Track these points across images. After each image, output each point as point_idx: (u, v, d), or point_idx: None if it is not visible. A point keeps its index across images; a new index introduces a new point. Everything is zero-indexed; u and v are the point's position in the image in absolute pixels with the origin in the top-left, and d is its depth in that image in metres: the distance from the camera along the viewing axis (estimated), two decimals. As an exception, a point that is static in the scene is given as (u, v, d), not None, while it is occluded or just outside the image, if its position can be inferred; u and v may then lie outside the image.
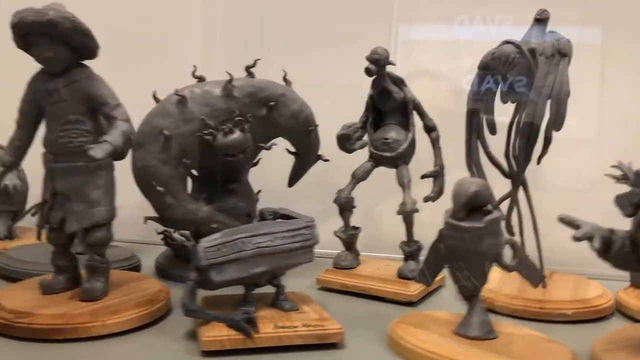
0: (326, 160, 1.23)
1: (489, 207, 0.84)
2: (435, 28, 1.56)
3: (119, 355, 0.80)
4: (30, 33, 0.82)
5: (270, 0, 1.55)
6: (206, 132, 1.05)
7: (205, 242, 0.84)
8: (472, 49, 1.50)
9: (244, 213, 1.19)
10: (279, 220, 0.94)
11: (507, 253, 0.86)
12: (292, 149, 1.23)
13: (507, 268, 0.86)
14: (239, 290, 0.91)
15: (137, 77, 1.51)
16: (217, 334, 0.80)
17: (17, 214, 1.34)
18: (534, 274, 0.90)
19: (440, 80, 1.52)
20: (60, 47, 0.83)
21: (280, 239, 0.88)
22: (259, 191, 1.25)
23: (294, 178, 1.28)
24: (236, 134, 1.06)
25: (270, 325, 0.82)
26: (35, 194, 1.34)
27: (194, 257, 0.85)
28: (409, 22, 1.55)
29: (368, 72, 1.11)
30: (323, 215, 1.43)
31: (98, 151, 0.79)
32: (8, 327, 0.83)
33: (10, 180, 1.27)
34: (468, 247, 0.82)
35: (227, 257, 0.84)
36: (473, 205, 0.82)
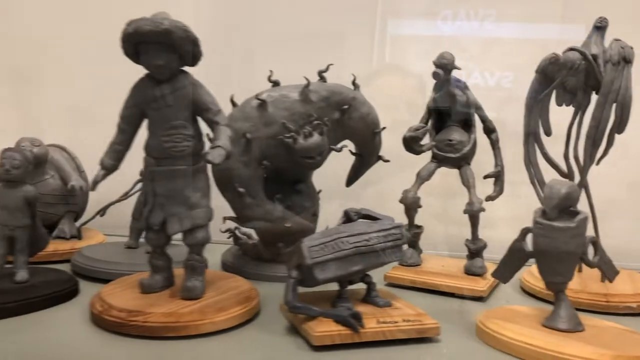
0: (387, 161, 1.27)
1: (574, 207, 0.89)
2: (419, 23, 1.60)
3: (233, 352, 0.84)
4: (143, 42, 0.85)
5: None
6: (288, 135, 1.08)
7: (308, 242, 0.88)
8: (458, 44, 1.56)
9: (310, 212, 1.23)
10: (366, 220, 0.98)
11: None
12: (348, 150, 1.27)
13: (590, 264, 0.92)
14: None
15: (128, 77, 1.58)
16: (327, 329, 0.84)
17: (79, 214, 1.37)
18: (611, 270, 0.96)
19: (425, 76, 1.57)
20: (170, 55, 0.86)
21: (375, 238, 0.92)
22: (320, 191, 1.29)
23: (353, 178, 1.32)
24: (315, 137, 1.10)
25: (373, 321, 0.87)
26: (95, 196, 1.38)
27: (296, 256, 0.89)
28: (394, 17, 1.59)
29: (436, 76, 1.16)
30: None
31: (215, 156, 0.83)
32: (121, 325, 0.85)
33: (76, 181, 1.29)
34: (560, 245, 0.87)
35: (329, 256, 0.88)
36: (564, 206, 0.87)
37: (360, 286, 0.96)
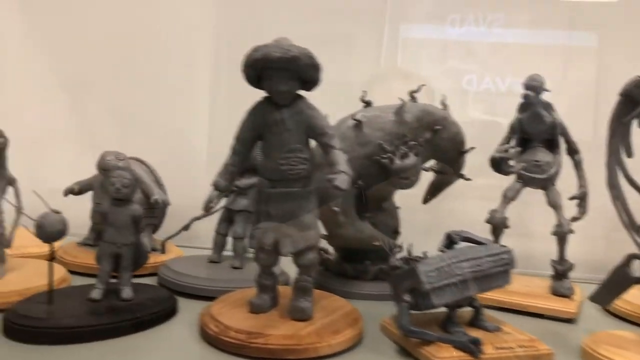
0: (468, 180, 1.28)
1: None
2: (427, 28, 1.61)
3: (352, 375, 0.85)
4: (269, 67, 0.86)
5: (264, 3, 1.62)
6: (385, 156, 1.09)
7: (424, 266, 0.89)
8: (466, 48, 1.57)
9: (392, 229, 1.25)
10: (471, 244, 0.99)
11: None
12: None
13: (700, 292, 0.92)
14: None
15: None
16: (448, 355, 0.84)
17: (157, 227, 1.38)
18: None
19: (433, 80, 1.57)
20: (294, 80, 0.87)
21: (486, 263, 0.93)
22: (398, 207, 1.29)
23: (432, 196, 1.32)
24: (412, 158, 1.10)
25: (490, 347, 0.87)
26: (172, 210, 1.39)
27: (409, 280, 0.90)
28: (402, 21, 1.60)
29: (526, 98, 1.17)
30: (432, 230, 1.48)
31: (342, 182, 0.84)
32: (242, 347, 0.86)
33: (159, 194, 1.30)
34: (676, 274, 0.87)
35: (445, 282, 0.89)
36: (680, 235, 0.88)
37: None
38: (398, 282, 0.93)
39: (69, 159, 1.71)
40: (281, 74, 0.86)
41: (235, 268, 1.22)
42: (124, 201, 0.99)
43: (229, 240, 1.28)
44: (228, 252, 1.28)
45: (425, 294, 0.88)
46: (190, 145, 1.70)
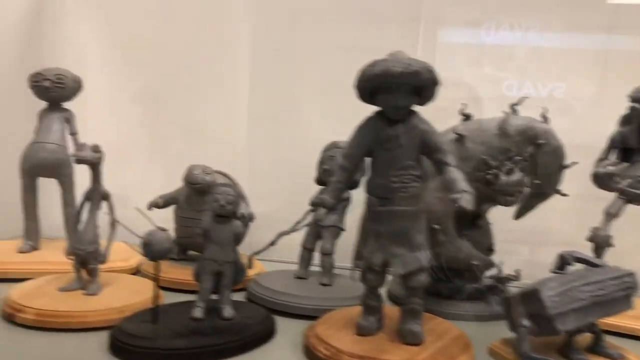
0: (565, 195, 1.22)
1: None
2: (463, 33, 1.56)
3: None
4: (387, 82, 0.83)
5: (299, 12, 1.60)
6: (490, 172, 1.05)
7: (548, 291, 0.84)
8: (507, 54, 1.51)
9: (486, 247, 1.20)
10: (588, 266, 0.94)
11: None
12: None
13: None
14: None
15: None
16: (577, 385, 0.80)
17: (239, 242, 1.36)
18: None
19: (475, 86, 1.53)
20: (411, 95, 0.84)
21: (610, 287, 0.88)
22: (491, 224, 1.25)
23: (524, 211, 1.27)
24: (517, 174, 1.06)
25: (617, 376, 0.82)
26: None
27: (530, 304, 0.85)
28: (438, 27, 1.56)
29: (634, 110, 1.11)
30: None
31: (468, 202, 0.80)
32: (357, 373, 0.83)
33: (245, 209, 1.28)
34: None
35: (569, 307, 0.84)
36: None
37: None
38: (515, 306, 0.88)
39: (140, 170, 1.71)
40: (400, 88, 0.83)
41: (323, 285, 1.19)
42: (226, 218, 0.97)
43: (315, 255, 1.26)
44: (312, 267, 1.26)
45: (548, 320, 0.83)
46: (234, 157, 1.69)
